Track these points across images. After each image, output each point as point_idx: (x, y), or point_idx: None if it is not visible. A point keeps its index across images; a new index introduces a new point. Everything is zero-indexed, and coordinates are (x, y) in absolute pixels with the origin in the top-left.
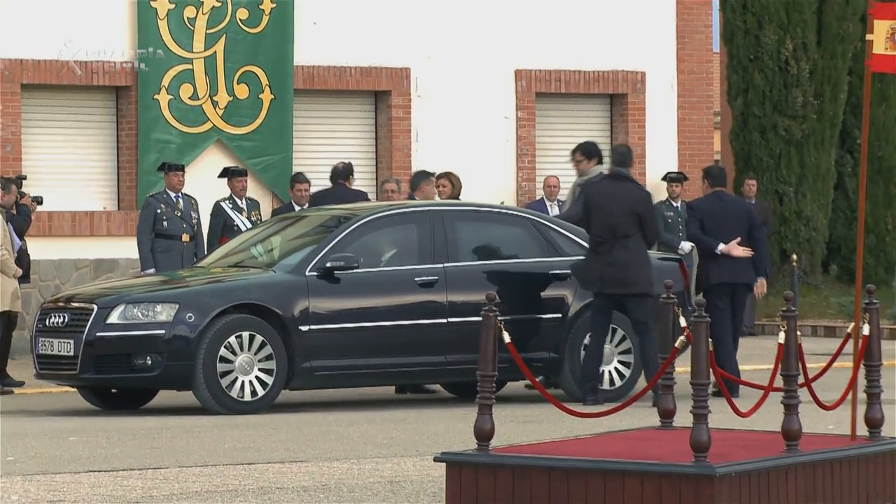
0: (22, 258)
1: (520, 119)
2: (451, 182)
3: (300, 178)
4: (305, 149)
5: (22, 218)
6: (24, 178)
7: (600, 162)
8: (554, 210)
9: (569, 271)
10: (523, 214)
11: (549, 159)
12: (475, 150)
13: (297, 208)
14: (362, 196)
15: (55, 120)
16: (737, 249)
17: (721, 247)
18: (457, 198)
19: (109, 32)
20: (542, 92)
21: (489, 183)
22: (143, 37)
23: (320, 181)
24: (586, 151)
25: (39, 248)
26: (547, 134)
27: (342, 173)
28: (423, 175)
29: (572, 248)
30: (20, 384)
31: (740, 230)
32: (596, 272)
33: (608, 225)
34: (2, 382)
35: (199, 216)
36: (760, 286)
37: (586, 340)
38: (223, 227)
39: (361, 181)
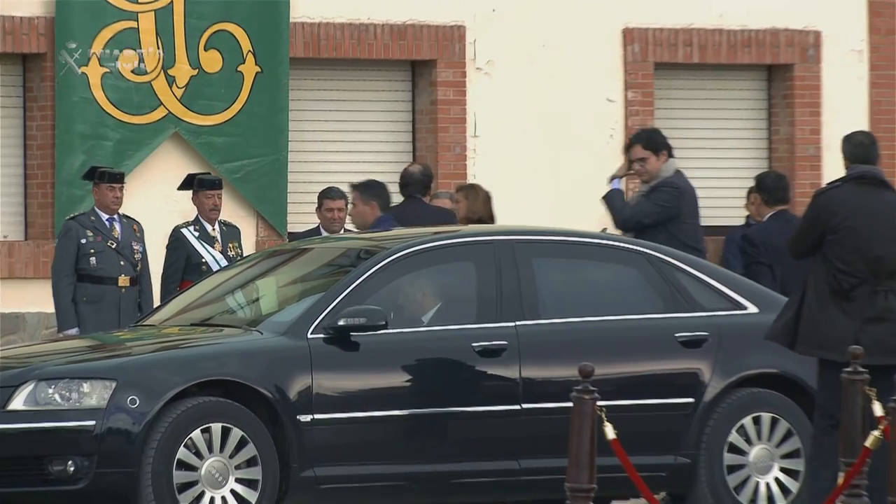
0: None
1: (630, 102)
2: (467, 197)
3: (332, 193)
4: (307, 147)
5: None
6: None
7: (671, 155)
8: None
9: (705, 334)
10: (637, 248)
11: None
12: (563, 148)
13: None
14: (450, 217)
15: None
16: None
17: None
18: (479, 220)
19: None
20: (663, 62)
21: (584, 199)
22: None
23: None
24: (650, 142)
25: None
26: (672, 124)
27: (420, 182)
28: None
29: (711, 300)
30: None
31: None
32: (846, 331)
33: (869, 257)
34: None
35: (144, 249)
36: None
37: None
38: (185, 266)
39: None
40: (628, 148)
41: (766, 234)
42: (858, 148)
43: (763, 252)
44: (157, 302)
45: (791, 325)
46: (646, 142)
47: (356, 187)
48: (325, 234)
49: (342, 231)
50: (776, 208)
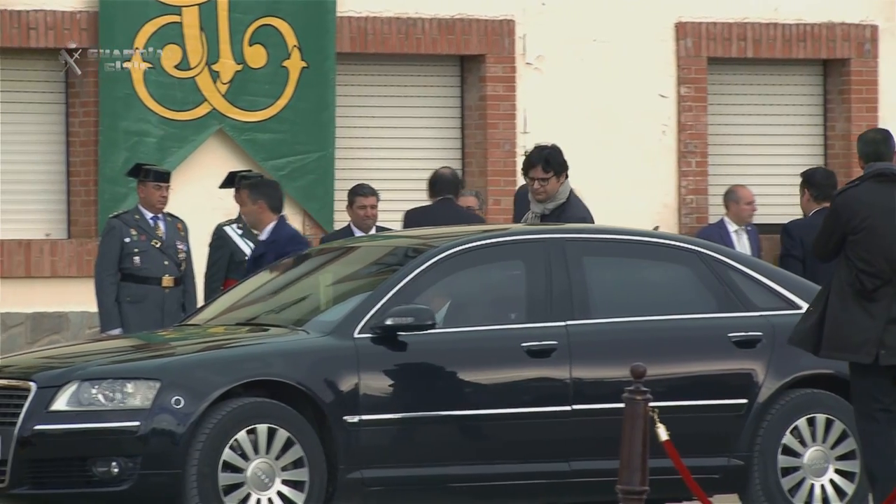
0: None
1: (683, 97)
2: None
3: (364, 190)
4: (354, 143)
5: None
6: None
7: (567, 176)
8: (741, 240)
9: (759, 334)
10: (690, 246)
11: (729, 160)
12: (614, 145)
13: (358, 235)
14: (477, 219)
15: None
16: None
17: None
18: None
19: None
20: (716, 57)
21: (636, 196)
22: None
23: (386, 194)
24: (553, 164)
25: None
26: (725, 120)
27: (451, 183)
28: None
29: (765, 299)
30: None
31: None
32: (869, 333)
33: (891, 258)
34: None
35: (189, 248)
36: None
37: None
38: (229, 264)
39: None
40: (528, 167)
41: (805, 230)
42: (870, 145)
43: (798, 246)
44: (200, 300)
45: (815, 329)
46: (546, 164)
47: (246, 186)
48: (357, 232)
49: (374, 229)
50: (824, 205)
